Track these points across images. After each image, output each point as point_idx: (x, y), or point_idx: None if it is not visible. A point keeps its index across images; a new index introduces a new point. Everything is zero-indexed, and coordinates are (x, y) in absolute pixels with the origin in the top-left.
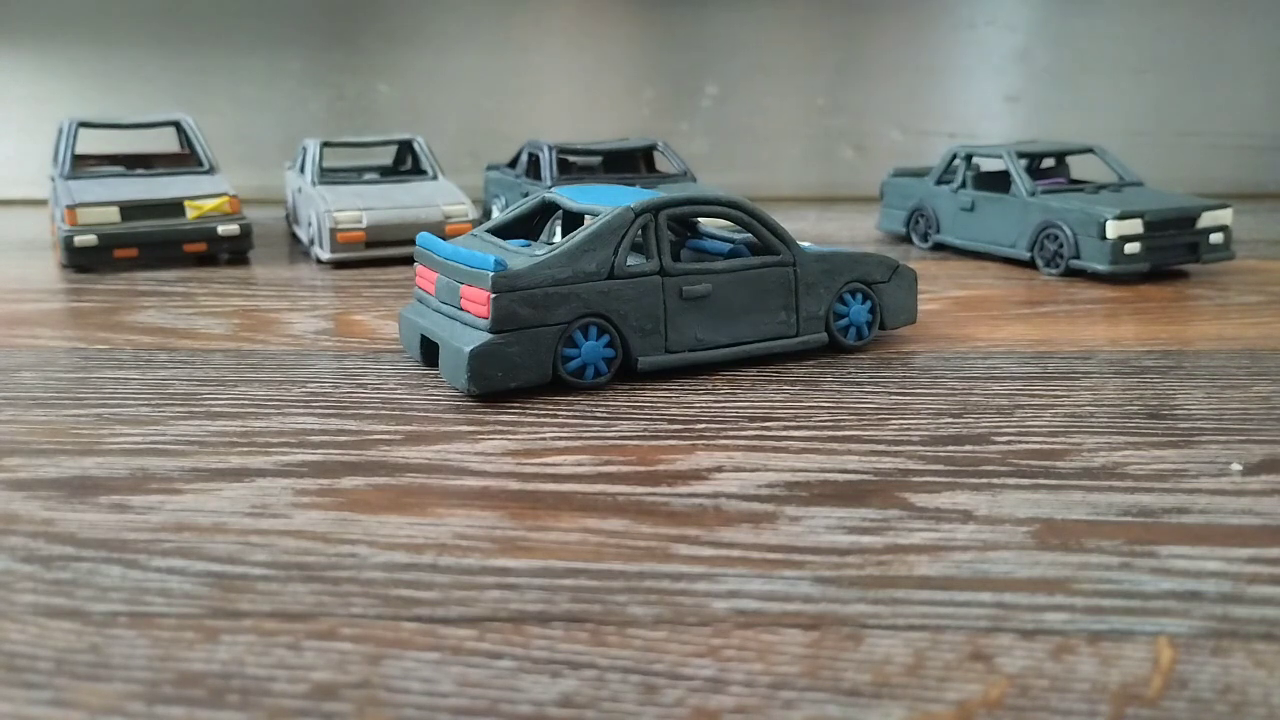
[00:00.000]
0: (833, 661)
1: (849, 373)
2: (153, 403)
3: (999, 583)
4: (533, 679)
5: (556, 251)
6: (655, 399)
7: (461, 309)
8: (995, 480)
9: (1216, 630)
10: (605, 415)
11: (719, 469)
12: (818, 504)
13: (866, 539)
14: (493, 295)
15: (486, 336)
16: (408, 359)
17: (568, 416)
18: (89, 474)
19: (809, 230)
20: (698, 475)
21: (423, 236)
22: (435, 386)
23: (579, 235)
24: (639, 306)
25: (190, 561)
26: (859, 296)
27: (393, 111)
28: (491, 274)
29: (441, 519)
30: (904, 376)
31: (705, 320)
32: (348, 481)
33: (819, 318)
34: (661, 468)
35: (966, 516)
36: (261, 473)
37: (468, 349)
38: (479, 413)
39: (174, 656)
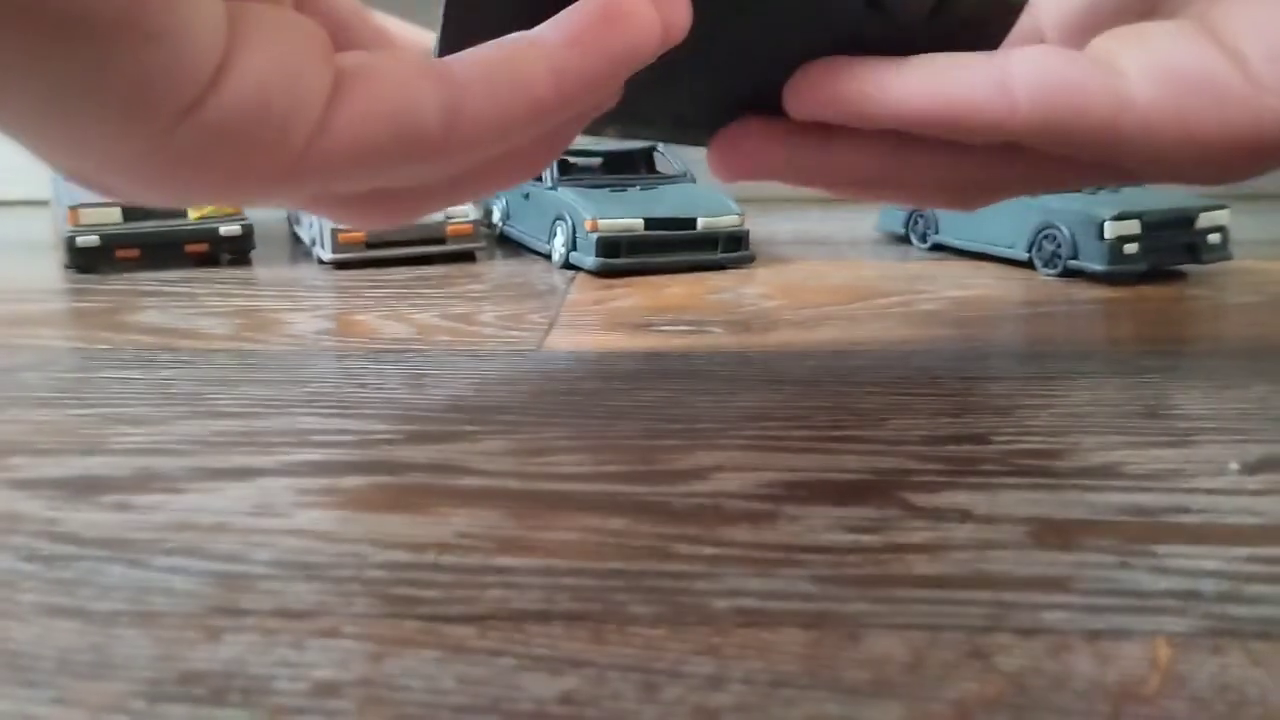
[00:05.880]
0: (832, 660)
1: (848, 373)
2: (155, 402)
3: (997, 581)
4: (533, 676)
5: None
6: (655, 399)
7: None
8: (994, 480)
9: (1214, 629)
10: (605, 415)
11: (719, 468)
12: (817, 503)
13: (865, 538)
14: None
15: None
16: (408, 359)
17: (568, 416)
18: (92, 473)
19: (809, 230)
20: (697, 474)
21: None
22: (436, 386)
23: None
24: None
25: (193, 560)
26: None
27: None
28: None
29: (443, 518)
30: (902, 376)
31: None
32: (350, 481)
33: None
34: (661, 467)
35: (965, 516)
36: (264, 472)
37: None
38: (480, 412)
39: (176, 655)
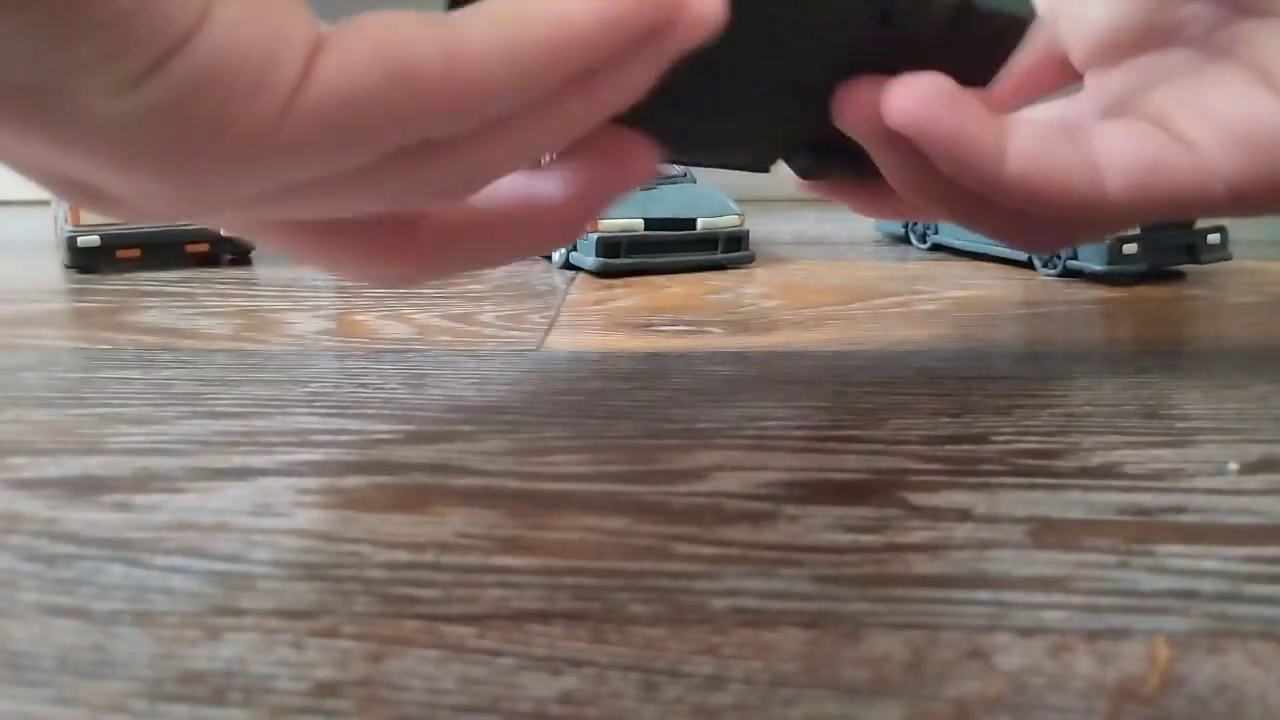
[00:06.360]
0: (832, 659)
1: (848, 373)
2: (155, 402)
3: (996, 581)
4: (533, 676)
5: None
6: (655, 398)
7: None
8: (993, 479)
9: (1213, 629)
10: (605, 415)
11: (718, 468)
12: (816, 503)
13: (865, 537)
14: None
15: None
16: (408, 359)
17: (568, 416)
18: (92, 473)
19: (809, 231)
20: (697, 474)
21: None
22: (436, 386)
23: None
24: None
25: (192, 560)
26: None
27: None
28: None
29: (443, 518)
30: (902, 376)
31: None
32: (349, 480)
33: None
34: (661, 467)
35: (964, 515)
36: (264, 472)
37: None
38: (480, 412)
39: (176, 654)
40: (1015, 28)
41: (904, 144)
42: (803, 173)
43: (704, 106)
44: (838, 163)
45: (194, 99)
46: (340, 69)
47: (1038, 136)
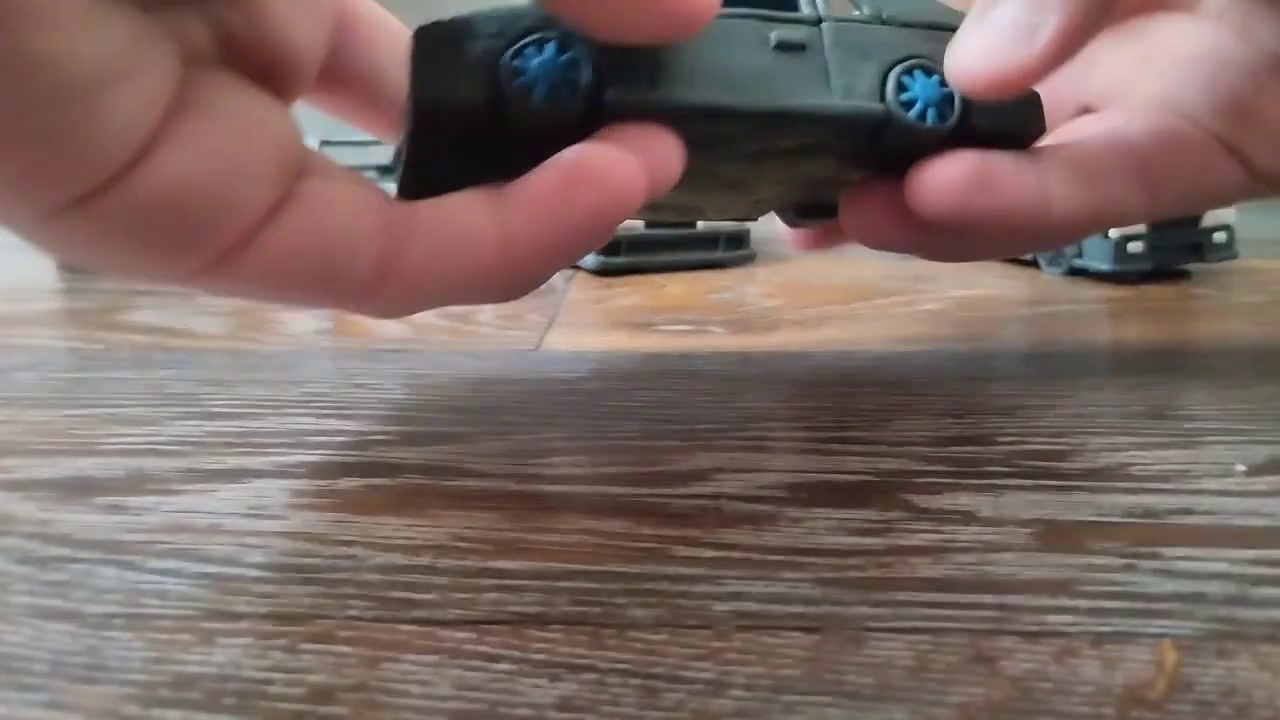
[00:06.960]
0: (834, 664)
1: (850, 373)
2: (149, 403)
3: (1002, 584)
4: (531, 682)
5: None
6: (655, 399)
7: None
8: (998, 481)
9: (1221, 632)
10: (604, 415)
11: (719, 470)
12: (819, 505)
13: (868, 540)
14: None
15: None
16: (406, 359)
17: (567, 417)
18: (85, 474)
19: None
20: (698, 476)
21: None
22: (434, 387)
23: None
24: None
25: (186, 563)
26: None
27: None
28: None
29: (439, 520)
30: (905, 376)
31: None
32: (345, 482)
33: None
34: (661, 468)
35: (969, 518)
36: (258, 473)
37: None
38: (477, 413)
39: (170, 658)
40: (1019, 140)
41: (917, 237)
42: (791, 224)
43: (695, 185)
44: (826, 215)
45: (131, 232)
46: (281, 251)
47: (1079, 170)
